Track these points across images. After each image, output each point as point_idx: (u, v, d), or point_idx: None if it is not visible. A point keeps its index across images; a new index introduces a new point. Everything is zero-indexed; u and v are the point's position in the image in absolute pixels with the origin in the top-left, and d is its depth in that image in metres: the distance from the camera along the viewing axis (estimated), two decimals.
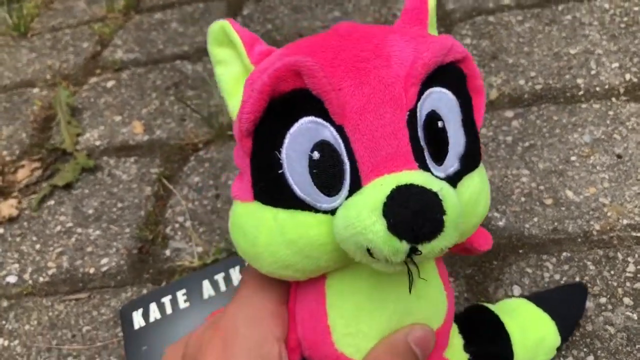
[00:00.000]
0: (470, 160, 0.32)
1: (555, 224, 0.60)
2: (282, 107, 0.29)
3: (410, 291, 0.30)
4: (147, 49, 1.01)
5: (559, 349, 0.48)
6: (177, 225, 0.70)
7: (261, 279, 0.34)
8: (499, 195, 0.64)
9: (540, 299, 0.50)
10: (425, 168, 0.29)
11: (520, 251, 0.59)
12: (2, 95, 0.98)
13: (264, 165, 0.30)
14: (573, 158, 0.66)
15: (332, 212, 0.29)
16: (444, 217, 0.26)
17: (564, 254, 0.57)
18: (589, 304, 0.53)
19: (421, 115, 0.30)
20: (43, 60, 1.04)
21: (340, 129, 0.29)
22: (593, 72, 0.75)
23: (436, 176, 0.29)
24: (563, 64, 0.77)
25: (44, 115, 0.91)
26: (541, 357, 0.47)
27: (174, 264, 0.66)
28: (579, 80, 0.75)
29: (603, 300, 0.53)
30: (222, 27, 0.34)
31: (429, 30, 0.35)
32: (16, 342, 0.62)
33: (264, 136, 0.30)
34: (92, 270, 0.67)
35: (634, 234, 0.58)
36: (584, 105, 0.72)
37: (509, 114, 0.73)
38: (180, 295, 0.53)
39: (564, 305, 0.51)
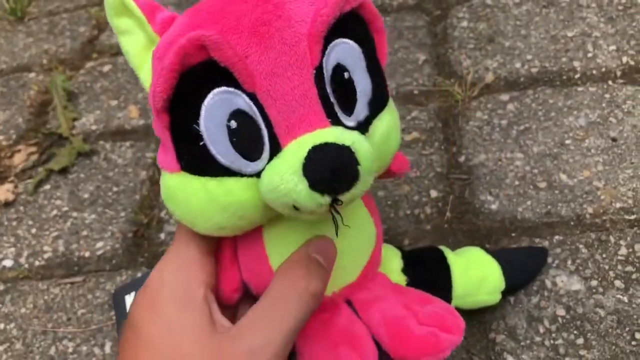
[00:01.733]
0: (378, 103, 0.33)
1: (549, 207, 0.60)
2: (193, 80, 0.30)
3: (337, 234, 0.32)
4: None
5: (505, 295, 0.51)
6: None
7: (188, 232, 0.35)
8: (492, 178, 0.64)
9: (495, 251, 0.53)
10: (337, 121, 0.31)
11: (513, 234, 0.59)
12: None
13: (184, 138, 0.31)
14: (568, 141, 0.66)
15: (257, 174, 0.31)
16: (359, 168, 0.28)
17: (557, 237, 0.57)
18: (580, 286, 0.53)
19: (327, 70, 0.31)
20: (39, 44, 1.04)
21: (252, 96, 0.30)
22: (590, 54, 0.75)
23: (348, 126, 0.31)
24: (560, 47, 0.77)
25: (40, 100, 0.91)
26: (483, 297, 0.51)
27: (168, 247, 0.66)
28: (576, 63, 0.74)
29: (594, 283, 0.53)
30: None
31: None
32: (12, 325, 0.62)
33: (180, 110, 0.31)
34: (87, 254, 0.68)
35: (626, 217, 0.58)
36: (580, 89, 0.71)
37: (505, 97, 0.73)
38: None
39: (517, 258, 0.54)
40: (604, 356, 0.49)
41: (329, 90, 0.31)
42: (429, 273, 0.48)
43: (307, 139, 0.29)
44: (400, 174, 0.41)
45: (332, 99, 0.31)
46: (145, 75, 0.34)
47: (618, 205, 0.59)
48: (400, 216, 0.63)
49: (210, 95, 0.30)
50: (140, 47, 0.34)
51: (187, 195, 0.32)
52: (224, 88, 0.29)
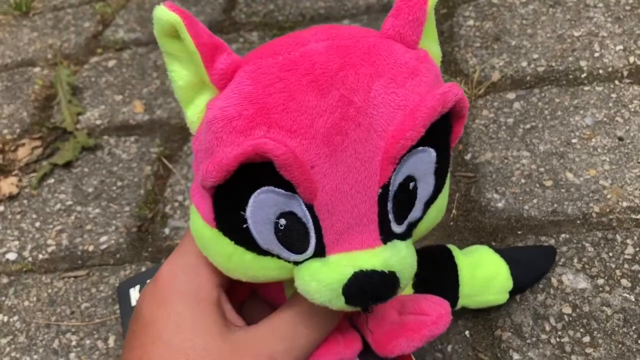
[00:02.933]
0: (434, 199, 0.31)
1: (555, 205, 0.60)
2: (248, 174, 0.26)
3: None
4: (149, 28, 1.01)
5: (512, 294, 0.51)
6: (176, 204, 0.70)
7: None
8: (498, 177, 0.64)
9: (503, 249, 0.53)
10: (389, 233, 0.29)
11: (519, 232, 0.59)
12: (3, 74, 0.98)
13: (227, 215, 0.29)
14: (574, 140, 0.66)
15: (296, 262, 0.29)
16: (399, 287, 0.29)
17: (563, 235, 0.57)
18: (586, 285, 0.53)
19: (394, 185, 0.28)
20: (44, 39, 1.04)
21: (309, 206, 0.27)
22: (597, 54, 0.74)
23: (397, 233, 0.29)
24: (566, 46, 0.76)
25: (45, 95, 0.91)
26: (491, 296, 0.51)
27: (172, 242, 0.66)
28: (582, 63, 0.74)
29: (601, 281, 0.53)
30: (171, 24, 0.27)
31: (425, 40, 0.31)
32: (15, 317, 0.62)
33: (227, 192, 0.28)
34: (91, 248, 0.67)
35: (633, 216, 0.58)
36: (586, 88, 0.71)
37: (511, 95, 0.72)
38: None
39: (525, 257, 0.54)
40: (610, 354, 0.49)
41: (389, 207, 0.28)
42: (436, 272, 0.48)
43: (353, 259, 0.28)
44: None
45: (390, 216, 0.28)
46: (192, 114, 0.30)
47: (625, 204, 0.59)
48: None
49: (264, 190, 0.27)
50: (189, 83, 0.30)
51: (221, 253, 0.30)
52: (281, 190, 0.27)
